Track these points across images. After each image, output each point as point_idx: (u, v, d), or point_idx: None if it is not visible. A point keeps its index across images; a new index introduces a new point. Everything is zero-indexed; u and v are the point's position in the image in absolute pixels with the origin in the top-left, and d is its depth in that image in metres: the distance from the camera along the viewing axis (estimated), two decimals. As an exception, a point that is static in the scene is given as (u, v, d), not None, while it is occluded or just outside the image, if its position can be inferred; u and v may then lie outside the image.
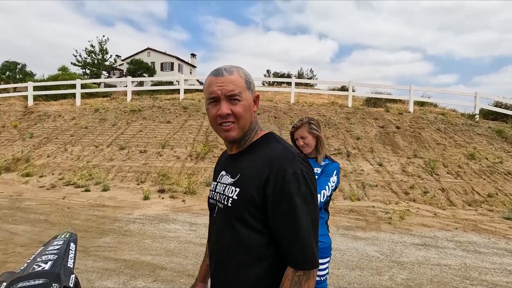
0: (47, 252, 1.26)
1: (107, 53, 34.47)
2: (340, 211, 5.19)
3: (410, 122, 9.24)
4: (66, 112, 10.71)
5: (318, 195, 1.62)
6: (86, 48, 33.00)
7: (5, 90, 14.06)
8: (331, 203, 1.93)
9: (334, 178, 1.72)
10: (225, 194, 0.87)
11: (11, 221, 4.39)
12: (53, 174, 7.34)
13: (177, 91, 12.00)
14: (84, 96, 13.84)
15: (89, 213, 4.90)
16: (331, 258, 1.83)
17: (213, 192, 0.95)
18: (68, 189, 6.46)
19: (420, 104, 11.37)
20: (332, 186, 1.70)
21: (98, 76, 32.53)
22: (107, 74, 36.87)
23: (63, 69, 28.68)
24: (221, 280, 0.88)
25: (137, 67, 34.11)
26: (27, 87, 11.96)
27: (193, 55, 45.86)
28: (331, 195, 1.72)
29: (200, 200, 5.77)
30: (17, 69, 44.85)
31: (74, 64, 32.34)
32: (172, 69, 39.86)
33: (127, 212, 4.99)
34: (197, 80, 29.28)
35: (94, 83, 16.65)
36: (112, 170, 7.39)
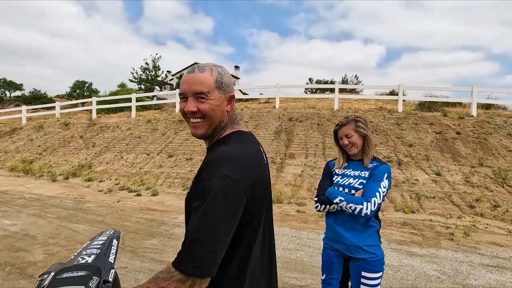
0: (92, 247, 1.31)
1: (159, 69, 37.36)
2: (392, 224, 4.75)
3: (474, 127, 8.23)
4: (123, 124, 11.73)
5: (367, 203, 1.46)
6: (141, 66, 36.27)
7: (75, 106, 15.99)
8: (380, 214, 1.74)
9: (385, 183, 1.54)
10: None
11: (74, 221, 4.85)
12: (110, 179, 8.03)
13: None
14: (139, 109, 15.11)
15: (139, 216, 5.20)
16: (383, 273, 1.63)
17: None
18: (123, 193, 6.98)
19: (485, 107, 10.12)
20: (383, 192, 1.53)
21: (151, 90, 35.26)
22: (159, 89, 39.82)
23: (122, 85, 31.80)
24: None
25: (185, 81, 36.21)
26: (91, 102, 13.43)
27: (236, 67, 47.40)
28: (382, 201, 1.55)
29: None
30: (85, 87, 50.92)
31: (131, 81, 35.61)
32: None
33: (173, 216, 5.18)
34: (240, 90, 30.13)
35: (147, 97, 18.10)
36: (161, 176, 7.82)
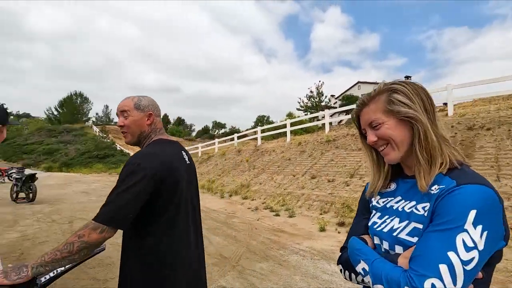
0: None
1: (322, 95, 39.13)
2: None
3: None
4: (278, 148, 12.77)
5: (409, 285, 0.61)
6: (306, 95, 39.32)
7: (247, 136, 19.23)
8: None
9: (468, 238, 0.62)
10: None
11: (215, 233, 5.52)
12: (260, 198, 8.75)
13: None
14: (301, 133, 16.09)
15: (267, 236, 5.21)
16: None
17: None
18: (265, 212, 7.36)
19: None
20: (466, 262, 0.61)
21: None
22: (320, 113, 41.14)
23: (289, 114, 35.46)
24: None
25: (348, 102, 35.58)
26: (256, 131, 15.65)
27: (407, 77, 41.56)
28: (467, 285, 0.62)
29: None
30: (264, 120, 60.72)
31: (298, 109, 39.19)
32: (384, 97, 38.06)
33: (297, 241, 4.82)
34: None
35: (302, 121, 19.07)
36: (301, 198, 7.67)
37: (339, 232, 5.26)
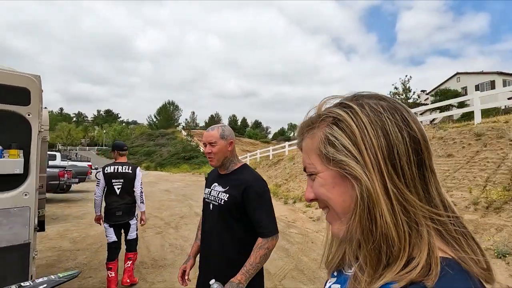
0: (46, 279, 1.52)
1: (410, 90, 34.72)
2: None
3: None
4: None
5: None
6: (390, 92, 35.53)
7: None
8: None
9: None
10: (219, 197, 1.54)
11: (268, 243, 5.32)
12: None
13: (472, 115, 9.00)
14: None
15: (322, 253, 4.73)
16: None
17: (208, 195, 1.64)
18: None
19: None
20: None
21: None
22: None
23: (369, 114, 32.64)
24: (215, 248, 1.55)
25: (443, 98, 30.53)
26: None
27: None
28: None
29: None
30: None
31: (379, 108, 35.73)
32: (493, 88, 31.19)
33: (355, 264, 4.22)
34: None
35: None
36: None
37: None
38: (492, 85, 31.55)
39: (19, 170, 2.25)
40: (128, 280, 3.40)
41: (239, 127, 71.49)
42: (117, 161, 3.44)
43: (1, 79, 2.26)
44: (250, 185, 1.48)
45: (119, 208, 3.32)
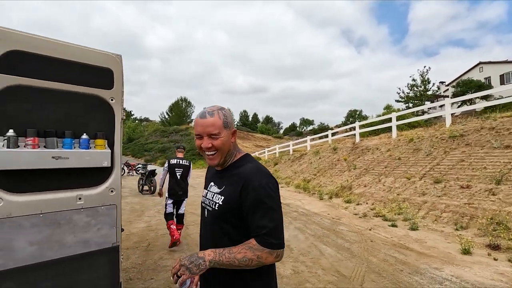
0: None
1: (428, 82, 33.68)
2: None
3: None
4: (383, 145, 11.24)
5: None
6: (407, 84, 34.46)
7: (344, 132, 17.86)
8: None
9: None
10: (213, 200, 1.21)
11: (324, 241, 4.97)
12: (366, 203, 7.73)
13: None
14: (404, 128, 14.00)
15: (389, 252, 4.36)
16: None
17: (204, 198, 1.31)
18: (376, 220, 6.38)
19: None
20: None
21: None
22: (429, 103, 35.54)
23: (387, 107, 31.70)
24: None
25: (465, 89, 29.38)
26: (354, 127, 14.28)
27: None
28: None
29: None
30: (357, 115, 56.48)
31: (398, 101, 34.74)
32: (519, 77, 29.85)
33: (434, 265, 3.83)
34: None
35: (413, 113, 16.41)
36: (424, 207, 6.34)
37: (495, 259, 3.96)
38: (518, 74, 30.13)
39: (107, 163, 1.95)
40: (179, 238, 4.64)
41: (250, 123, 70.97)
42: (177, 156, 4.99)
43: (83, 58, 1.95)
44: (251, 180, 1.10)
45: (181, 189, 4.81)
